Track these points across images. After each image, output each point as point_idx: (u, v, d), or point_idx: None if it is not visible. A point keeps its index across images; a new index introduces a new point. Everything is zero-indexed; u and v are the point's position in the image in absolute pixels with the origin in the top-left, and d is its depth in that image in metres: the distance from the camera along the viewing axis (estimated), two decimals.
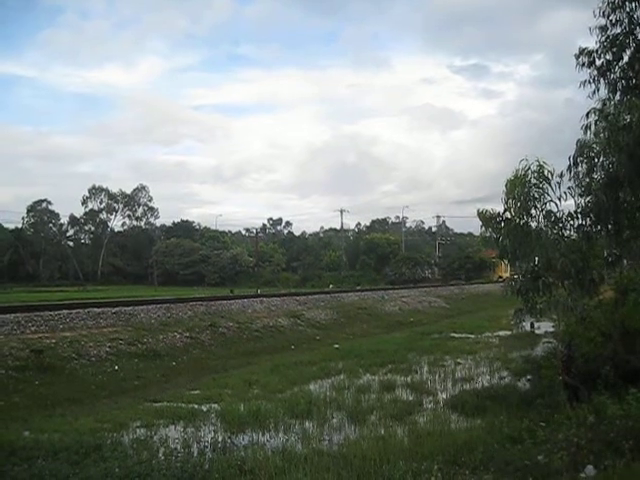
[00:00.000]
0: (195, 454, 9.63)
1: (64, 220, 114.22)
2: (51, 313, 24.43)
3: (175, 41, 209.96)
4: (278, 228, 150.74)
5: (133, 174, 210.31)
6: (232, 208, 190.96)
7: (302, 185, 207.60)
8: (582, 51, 11.73)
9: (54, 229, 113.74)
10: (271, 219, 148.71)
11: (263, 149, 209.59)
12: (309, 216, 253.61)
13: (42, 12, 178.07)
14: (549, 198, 11.28)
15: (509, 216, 11.44)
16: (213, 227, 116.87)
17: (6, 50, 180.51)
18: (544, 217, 11.41)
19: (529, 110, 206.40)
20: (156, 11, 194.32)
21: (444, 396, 14.45)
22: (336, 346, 25.10)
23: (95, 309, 26.65)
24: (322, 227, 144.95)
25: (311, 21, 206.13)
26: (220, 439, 10.67)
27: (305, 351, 24.59)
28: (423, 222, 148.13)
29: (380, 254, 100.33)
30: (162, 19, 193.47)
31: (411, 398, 14.37)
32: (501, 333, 27.49)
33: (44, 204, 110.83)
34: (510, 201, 11.31)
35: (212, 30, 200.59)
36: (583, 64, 11.72)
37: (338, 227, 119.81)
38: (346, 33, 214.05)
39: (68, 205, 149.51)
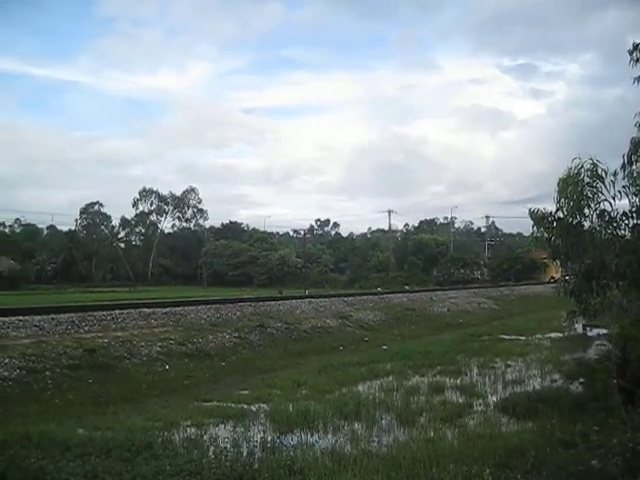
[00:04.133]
0: (244, 453, 9.64)
1: (115, 222, 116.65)
2: (104, 313, 24.92)
3: (224, 45, 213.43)
4: (326, 229, 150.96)
5: (183, 177, 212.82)
6: (281, 209, 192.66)
7: (350, 186, 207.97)
8: (636, 46, 11.45)
9: (106, 231, 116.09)
10: (319, 220, 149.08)
11: (312, 151, 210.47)
12: (357, 217, 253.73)
13: (96, 21, 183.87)
14: (603, 197, 11.08)
15: (561, 216, 11.27)
16: (261, 228, 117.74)
17: (60, 57, 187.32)
18: (598, 216, 11.21)
19: (579, 109, 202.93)
20: (206, 17, 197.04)
21: (494, 399, 14.23)
22: (384, 347, 24.99)
23: (146, 309, 27.07)
24: (370, 228, 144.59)
25: (359, 25, 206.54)
26: (269, 439, 10.69)
27: (353, 352, 24.53)
28: (472, 222, 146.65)
29: (428, 255, 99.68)
30: (212, 25, 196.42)
31: (461, 400, 14.20)
32: (552, 335, 26.98)
33: (96, 206, 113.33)
34: (562, 200, 11.13)
35: (261, 34, 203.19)
36: (637, 59, 11.44)
37: (386, 228, 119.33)
38: (394, 36, 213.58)
39: (119, 207, 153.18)
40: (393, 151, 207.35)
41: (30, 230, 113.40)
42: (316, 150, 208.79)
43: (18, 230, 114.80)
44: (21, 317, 22.02)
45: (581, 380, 15.43)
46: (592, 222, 11.26)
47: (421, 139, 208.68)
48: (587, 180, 10.98)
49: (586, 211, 11.19)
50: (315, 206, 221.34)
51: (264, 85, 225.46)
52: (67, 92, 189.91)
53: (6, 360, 16.99)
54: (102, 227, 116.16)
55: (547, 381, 16.15)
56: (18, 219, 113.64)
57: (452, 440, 10.25)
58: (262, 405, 13.74)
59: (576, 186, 10.91)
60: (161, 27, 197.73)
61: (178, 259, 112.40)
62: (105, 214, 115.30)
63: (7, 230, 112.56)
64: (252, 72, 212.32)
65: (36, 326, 21.52)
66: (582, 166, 10.94)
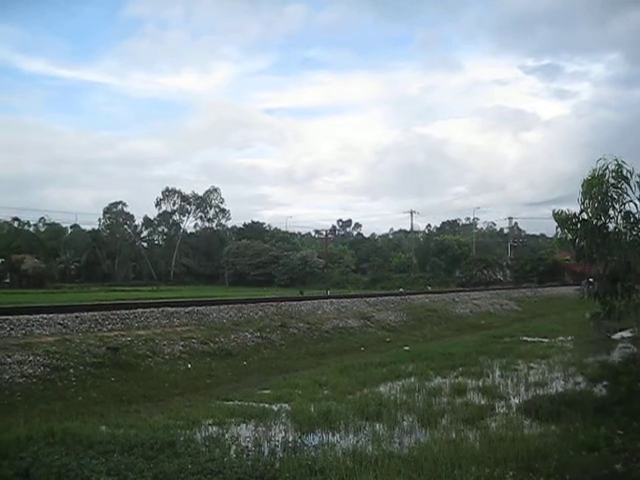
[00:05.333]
0: (266, 453, 9.65)
1: (138, 221, 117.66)
2: (126, 312, 25.05)
3: (248, 47, 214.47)
4: (347, 230, 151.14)
5: (205, 177, 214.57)
6: (303, 210, 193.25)
7: (373, 187, 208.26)
8: None
9: (129, 230, 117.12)
10: (341, 220, 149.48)
11: (334, 151, 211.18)
12: (379, 218, 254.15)
13: (122, 23, 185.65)
14: (628, 198, 10.98)
15: (586, 217, 11.17)
16: (283, 228, 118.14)
17: (86, 59, 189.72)
18: (623, 218, 11.10)
19: (605, 110, 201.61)
20: (230, 19, 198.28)
21: (517, 401, 14.12)
22: (406, 348, 24.92)
23: (169, 308, 27.20)
24: (392, 228, 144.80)
25: (382, 26, 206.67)
26: (290, 439, 10.68)
27: (375, 353, 24.48)
28: (494, 224, 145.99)
29: (451, 256, 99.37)
30: (236, 26, 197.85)
31: (483, 402, 14.10)
32: (575, 337, 26.76)
33: (119, 206, 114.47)
34: (587, 201, 11.04)
35: (284, 35, 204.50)
36: None
37: (408, 229, 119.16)
38: (417, 37, 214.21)
39: (142, 207, 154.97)
40: (415, 151, 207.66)
41: (54, 229, 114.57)
42: (338, 150, 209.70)
43: (43, 229, 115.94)
44: (45, 315, 22.19)
45: (605, 383, 15.26)
46: (617, 224, 11.15)
47: (443, 139, 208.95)
48: (612, 181, 10.88)
49: (611, 212, 11.09)
50: (337, 206, 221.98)
51: (287, 86, 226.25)
52: (92, 93, 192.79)
53: (31, 358, 17.16)
54: (125, 226, 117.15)
55: (570, 384, 15.98)
56: (42, 218, 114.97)
57: (474, 442, 10.18)
58: (283, 405, 13.74)
59: (601, 187, 10.81)
60: (186, 29, 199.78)
61: (200, 259, 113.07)
62: (128, 214, 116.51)
63: (32, 229, 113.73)
64: (275, 73, 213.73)
65: (60, 324, 21.70)
66: (607, 167, 10.85)
